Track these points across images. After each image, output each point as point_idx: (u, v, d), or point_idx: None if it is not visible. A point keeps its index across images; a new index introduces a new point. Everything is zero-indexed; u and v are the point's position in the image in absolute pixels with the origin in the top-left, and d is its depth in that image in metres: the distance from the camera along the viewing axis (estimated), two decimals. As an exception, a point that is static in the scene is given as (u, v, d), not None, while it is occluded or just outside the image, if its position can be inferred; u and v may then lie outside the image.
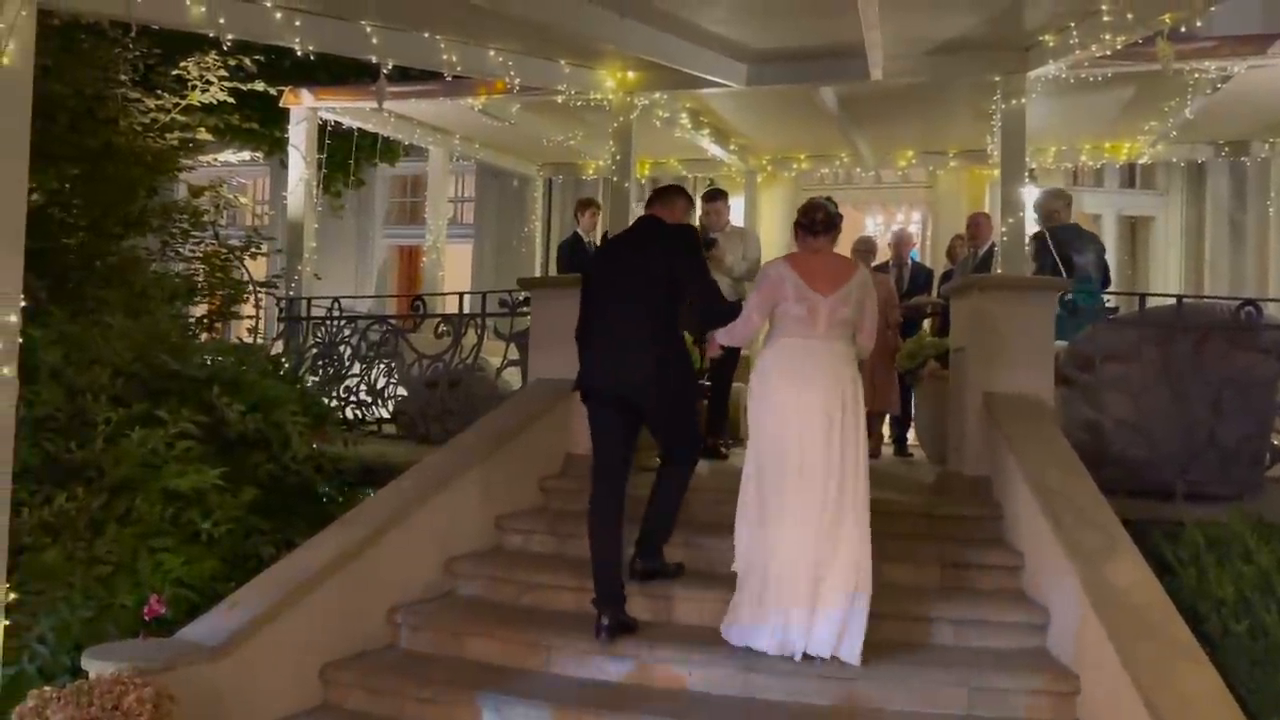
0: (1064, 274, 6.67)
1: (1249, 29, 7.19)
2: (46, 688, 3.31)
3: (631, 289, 4.56)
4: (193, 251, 8.30)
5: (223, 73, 8.14)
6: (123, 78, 7.93)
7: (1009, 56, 7.06)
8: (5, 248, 3.83)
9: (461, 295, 8.13)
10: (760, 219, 11.11)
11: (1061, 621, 4.09)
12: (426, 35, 6.91)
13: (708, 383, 6.82)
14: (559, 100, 8.24)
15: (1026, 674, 3.91)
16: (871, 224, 12.16)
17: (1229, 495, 5.05)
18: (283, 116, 9.48)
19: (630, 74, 7.72)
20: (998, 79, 7.24)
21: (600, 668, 4.17)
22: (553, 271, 10.54)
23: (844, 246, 5.76)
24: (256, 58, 8.22)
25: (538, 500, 5.69)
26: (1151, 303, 6.34)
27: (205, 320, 8.20)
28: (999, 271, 7.31)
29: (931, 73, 7.34)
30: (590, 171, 11.85)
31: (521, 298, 7.00)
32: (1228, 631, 3.82)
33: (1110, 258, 7.94)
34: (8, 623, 3.88)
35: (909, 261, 8.99)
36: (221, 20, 5.88)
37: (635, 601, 4.49)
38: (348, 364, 8.27)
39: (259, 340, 8.26)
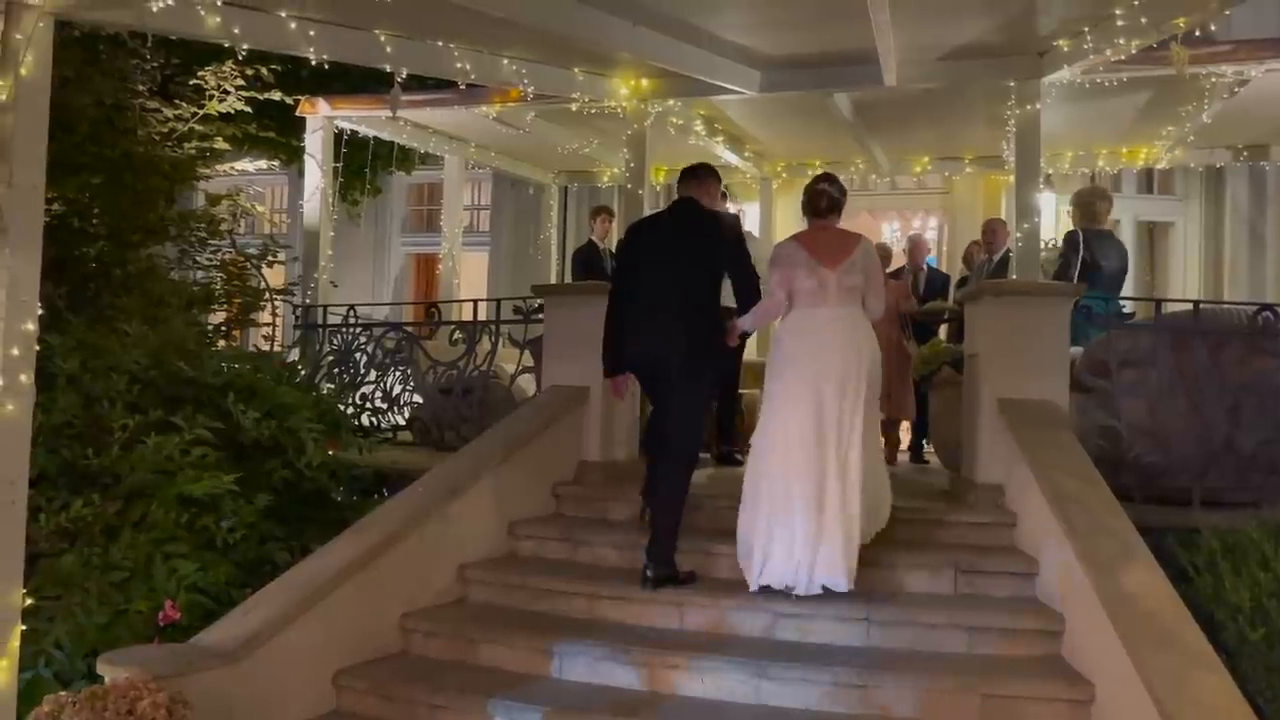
0: (1086, 277, 6.67)
1: (1267, 32, 7.13)
2: (62, 692, 3.34)
3: (674, 270, 4.85)
4: (210, 260, 8.36)
5: (240, 82, 8.20)
6: (141, 88, 8.02)
7: (1023, 62, 7.04)
8: (23, 256, 3.87)
9: (476, 302, 8.16)
10: (775, 226, 11.10)
11: (1077, 629, 4.06)
12: (440, 44, 6.96)
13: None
14: (573, 108, 8.28)
15: (1040, 681, 3.88)
16: (888, 230, 12.15)
17: (1246, 502, 4.99)
18: (299, 125, 9.55)
19: (644, 81, 7.73)
20: (1012, 84, 7.22)
21: (612, 674, 4.16)
22: (568, 279, 10.56)
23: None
24: (273, 67, 8.29)
25: (551, 507, 5.70)
26: (1168, 308, 6.30)
27: (222, 328, 8.25)
28: (1014, 277, 7.27)
29: (946, 78, 7.33)
30: (605, 179, 11.89)
31: (536, 305, 7.02)
32: (1244, 639, 3.78)
33: (1129, 263, 7.90)
34: (24, 628, 3.91)
35: (925, 267, 8.96)
36: (237, 30, 5.93)
37: (648, 609, 4.50)
38: (363, 371, 8.31)
39: (275, 348, 8.31)
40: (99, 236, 7.33)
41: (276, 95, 8.55)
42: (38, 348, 3.98)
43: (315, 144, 9.31)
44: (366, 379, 8.27)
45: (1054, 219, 10.40)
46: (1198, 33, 6.07)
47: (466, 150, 10.70)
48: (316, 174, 9.29)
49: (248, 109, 8.50)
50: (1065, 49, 6.75)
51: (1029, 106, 7.15)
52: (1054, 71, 6.92)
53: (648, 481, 5.10)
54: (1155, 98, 7.91)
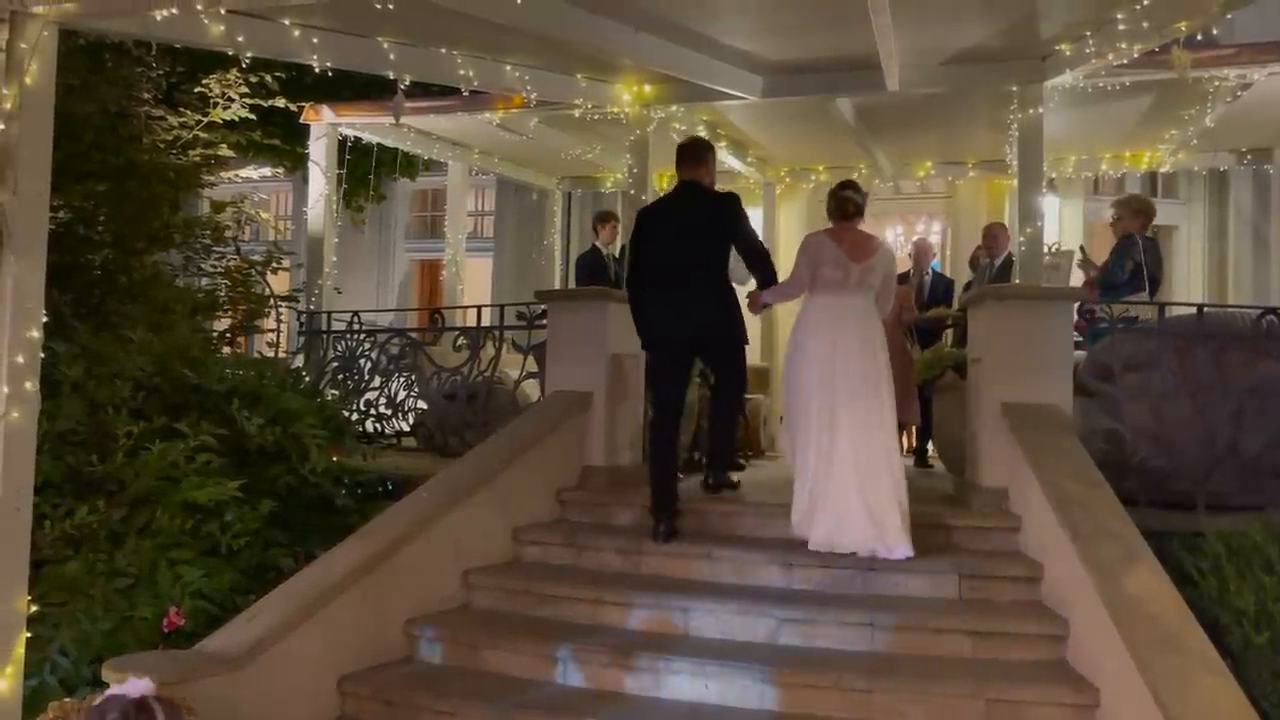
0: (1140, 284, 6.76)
1: (1269, 35, 7.12)
2: (67, 699, 3.35)
3: (690, 248, 5.38)
4: (215, 266, 8.38)
5: (244, 90, 8.23)
6: (146, 96, 8.04)
7: (1025, 66, 7.04)
8: (28, 264, 3.88)
9: (480, 308, 8.17)
10: (779, 230, 11.10)
11: (1081, 633, 4.05)
12: (444, 51, 6.98)
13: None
14: (576, 114, 8.29)
15: (1045, 686, 3.87)
16: (891, 234, 12.13)
17: (1251, 506, 4.98)
18: (304, 132, 9.58)
19: (647, 87, 7.75)
20: (1014, 89, 7.22)
21: (617, 680, 4.16)
22: (571, 284, 10.57)
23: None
24: (277, 74, 8.31)
25: (555, 512, 5.70)
26: (1172, 312, 6.29)
27: (227, 334, 8.27)
28: (1017, 281, 7.26)
29: (948, 83, 7.33)
30: (609, 184, 11.90)
31: (539, 310, 7.03)
32: (1249, 643, 3.78)
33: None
34: (29, 634, 3.92)
35: (929, 272, 8.96)
36: (240, 38, 5.95)
37: (653, 615, 4.51)
38: (367, 377, 8.32)
39: (280, 354, 8.32)
40: (104, 243, 7.35)
41: (280, 102, 8.57)
42: (42, 355, 3.99)
43: (319, 151, 9.34)
44: (371, 385, 8.28)
45: (1057, 223, 10.39)
46: (1200, 36, 6.07)
47: (470, 156, 10.72)
48: (320, 181, 9.31)
49: (252, 116, 8.52)
50: (1067, 53, 6.76)
51: (1031, 110, 7.15)
52: (1056, 75, 6.93)
53: (654, 496, 5.22)
54: (1158, 101, 7.91)
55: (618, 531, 5.42)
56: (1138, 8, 5.87)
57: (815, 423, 5.01)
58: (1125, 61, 6.51)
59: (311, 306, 9.17)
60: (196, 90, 8.34)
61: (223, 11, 5.74)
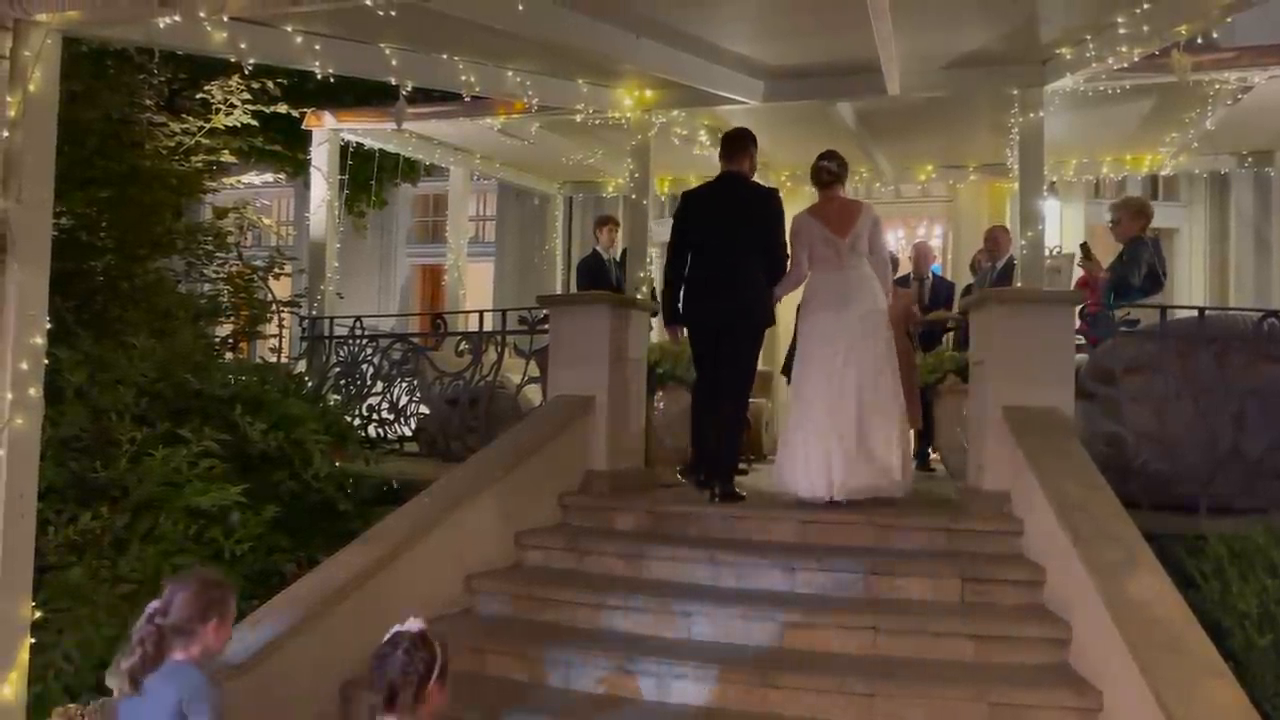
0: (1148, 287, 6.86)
1: (1270, 38, 7.12)
2: (71, 704, 3.36)
3: (726, 235, 5.78)
4: (217, 272, 8.39)
5: (246, 96, 8.24)
6: (148, 102, 8.06)
7: (1026, 70, 7.04)
8: (32, 270, 3.90)
9: (482, 313, 8.18)
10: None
11: (1083, 637, 4.05)
12: (445, 57, 6.99)
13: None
14: (578, 119, 8.30)
15: (1048, 690, 3.87)
16: (893, 238, 12.13)
17: (1253, 508, 4.98)
18: (305, 138, 9.60)
19: (648, 92, 7.76)
20: (1015, 92, 7.22)
21: (619, 685, 4.17)
22: (573, 289, 10.58)
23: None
24: (279, 81, 8.33)
25: (557, 517, 5.71)
26: (1174, 314, 6.29)
27: (229, 340, 8.28)
28: (1018, 284, 7.27)
29: (948, 87, 7.34)
30: (610, 189, 11.91)
31: (541, 315, 7.04)
32: (1252, 645, 3.78)
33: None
34: (33, 640, 3.92)
35: (930, 275, 8.97)
36: (243, 45, 5.97)
37: (655, 620, 4.51)
38: (370, 382, 8.33)
39: (282, 359, 8.33)
40: (107, 250, 7.35)
41: (283, 108, 8.59)
42: (46, 361, 4.00)
43: (321, 156, 9.35)
44: (373, 390, 8.29)
45: (1058, 226, 10.39)
46: (1200, 40, 6.06)
47: (471, 161, 10.74)
48: (322, 186, 9.33)
49: (254, 122, 8.53)
50: (1068, 57, 6.76)
51: (1032, 114, 7.15)
52: (1057, 79, 6.93)
53: (702, 464, 5.85)
54: (1158, 104, 7.91)
55: (620, 536, 5.42)
56: (1138, 11, 5.88)
57: (823, 386, 5.50)
58: (1125, 65, 6.52)
59: (313, 312, 9.18)
60: (199, 96, 8.36)
61: (225, 18, 5.76)
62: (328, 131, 9.30)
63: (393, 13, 5.00)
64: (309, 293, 9.27)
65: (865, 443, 5.46)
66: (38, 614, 4.00)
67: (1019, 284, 7.31)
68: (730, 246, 5.77)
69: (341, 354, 8.68)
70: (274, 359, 8.17)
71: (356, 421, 7.68)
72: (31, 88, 3.87)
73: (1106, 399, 5.69)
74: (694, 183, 10.99)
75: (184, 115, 8.37)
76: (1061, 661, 4.13)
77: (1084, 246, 8.06)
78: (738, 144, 6.06)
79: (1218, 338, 5.60)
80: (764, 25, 6.56)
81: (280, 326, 8.77)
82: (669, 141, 8.76)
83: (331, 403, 7.25)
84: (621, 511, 5.61)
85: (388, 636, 2.74)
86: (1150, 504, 5.11)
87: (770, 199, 5.96)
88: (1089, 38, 6.47)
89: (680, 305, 5.94)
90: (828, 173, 5.87)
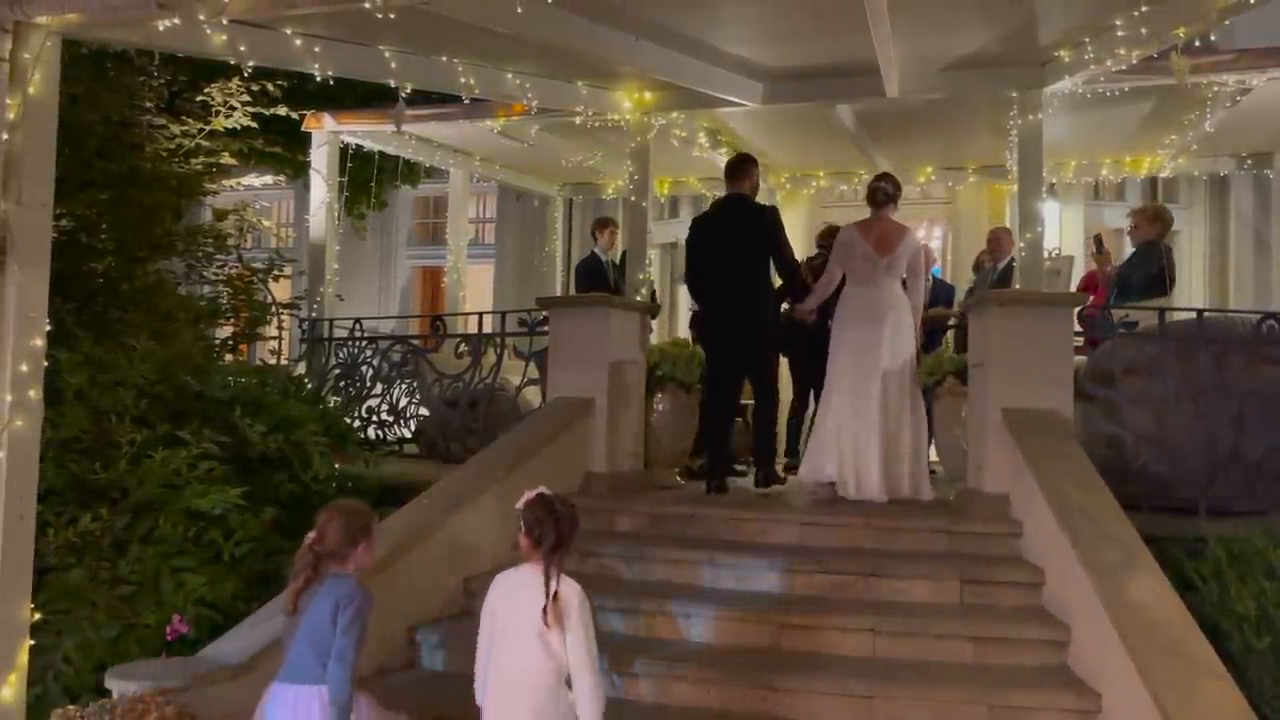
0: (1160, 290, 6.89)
1: (1268, 40, 7.13)
2: (70, 706, 3.36)
3: (730, 253, 6.26)
4: (217, 274, 8.39)
5: (246, 98, 8.25)
6: (148, 104, 8.07)
7: (1025, 72, 7.04)
8: (32, 272, 3.90)
9: (481, 315, 8.18)
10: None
11: (1082, 639, 4.06)
12: (445, 59, 6.99)
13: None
14: (577, 121, 8.29)
15: (1047, 691, 3.88)
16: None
17: (1252, 511, 4.99)
18: (305, 140, 9.60)
19: (648, 94, 7.75)
20: (1014, 94, 7.22)
21: (619, 686, 4.17)
22: (572, 290, 10.58)
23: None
24: (279, 83, 8.34)
25: (557, 518, 5.70)
26: (1173, 317, 6.30)
27: (229, 342, 8.29)
28: (1018, 287, 7.27)
29: (947, 89, 7.33)
30: (610, 191, 11.91)
31: (541, 317, 7.04)
32: (1250, 648, 3.78)
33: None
34: (33, 642, 3.93)
35: (930, 278, 8.95)
36: (243, 47, 5.96)
37: (655, 621, 4.51)
38: (369, 384, 8.33)
39: (282, 361, 8.34)
40: (106, 252, 7.36)
41: (282, 110, 8.60)
42: (46, 363, 4.01)
43: (321, 159, 9.35)
44: (372, 392, 8.29)
45: (1057, 228, 10.39)
46: (1198, 42, 6.07)
47: (471, 163, 10.74)
48: (322, 188, 9.33)
49: (254, 124, 8.54)
50: (1066, 59, 6.76)
51: (1031, 116, 7.15)
52: (1056, 81, 6.93)
53: (707, 461, 6.49)
54: (1157, 107, 7.91)
55: (620, 537, 5.43)
56: (1136, 14, 5.88)
57: (848, 391, 5.93)
58: (1124, 67, 6.51)
59: (313, 314, 9.18)
60: (198, 99, 8.38)
61: (225, 21, 5.76)
62: (327, 133, 9.30)
63: (392, 15, 5.02)
64: (309, 295, 9.27)
65: (885, 449, 5.82)
66: (37, 615, 4.01)
67: (1018, 286, 7.31)
68: (734, 262, 6.24)
69: (341, 356, 8.68)
70: (274, 361, 8.17)
71: (356, 423, 7.68)
72: (31, 90, 3.88)
73: (1106, 401, 5.70)
74: (693, 185, 11.15)
75: (184, 117, 8.38)
76: (1061, 663, 4.14)
77: (1097, 239, 8.09)
78: (739, 169, 6.55)
79: (1217, 339, 5.61)
80: (763, 27, 6.57)
81: (280, 328, 8.77)
82: (668, 143, 8.76)
83: (331, 404, 7.24)
84: (621, 513, 5.61)
85: (532, 496, 3.19)
86: (1149, 506, 5.12)
87: (766, 213, 6.46)
88: (1088, 40, 6.48)
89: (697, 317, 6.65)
90: (883, 193, 6.16)
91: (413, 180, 12.51)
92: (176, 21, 4.04)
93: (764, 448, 6.42)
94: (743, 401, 8.76)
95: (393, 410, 8.24)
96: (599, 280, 8.53)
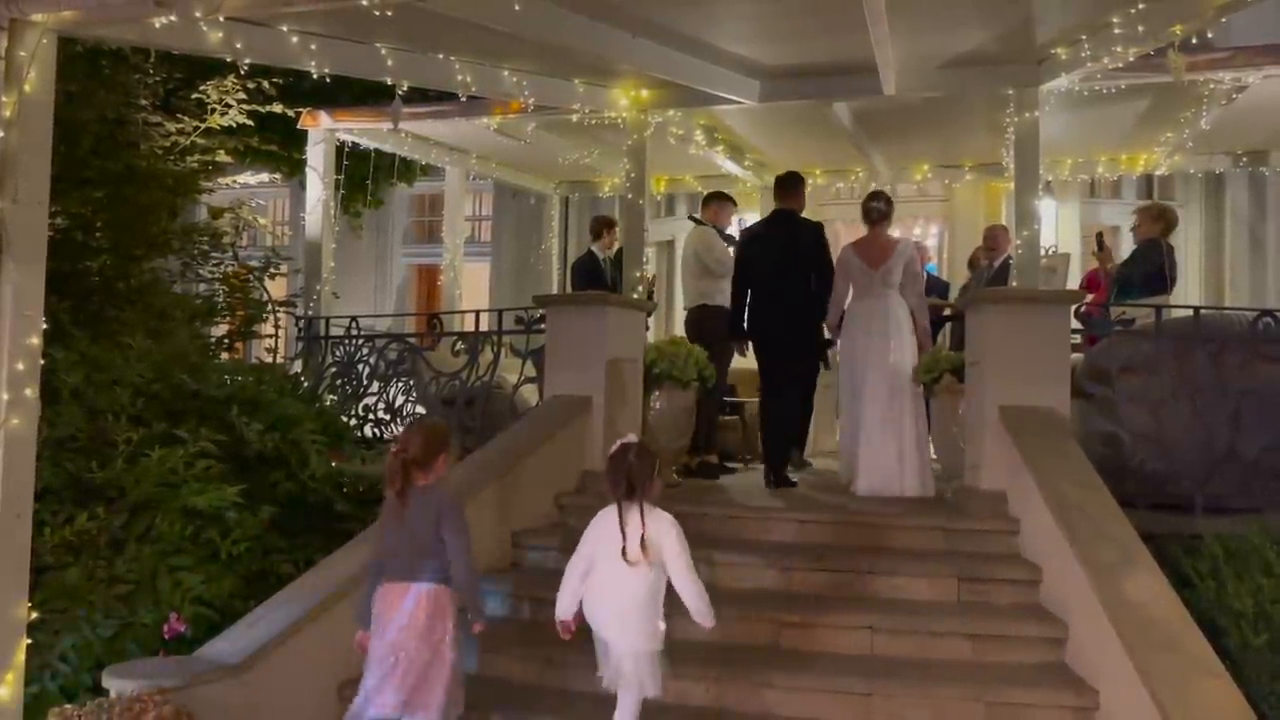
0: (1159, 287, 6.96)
1: (1265, 38, 7.14)
2: (68, 705, 3.36)
3: (784, 266, 6.76)
4: (213, 272, 8.37)
5: (242, 96, 8.22)
6: (144, 102, 8.03)
7: (1021, 70, 7.05)
8: (28, 270, 3.89)
9: (478, 313, 8.17)
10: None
11: (1079, 636, 4.07)
12: (441, 57, 6.98)
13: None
14: (574, 119, 8.29)
15: (1044, 689, 3.89)
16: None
17: (1249, 508, 5.00)
18: (301, 138, 9.57)
19: (644, 92, 7.75)
20: (1011, 92, 7.23)
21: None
22: (569, 289, 10.57)
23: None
24: (275, 81, 8.32)
25: (554, 517, 5.71)
26: (1169, 314, 6.31)
27: (225, 340, 8.27)
28: (1014, 284, 7.29)
29: (944, 87, 7.34)
30: (606, 189, 11.91)
31: (538, 315, 7.04)
32: (1247, 645, 3.79)
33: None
34: (30, 641, 3.92)
35: (924, 275, 8.95)
36: (239, 45, 5.95)
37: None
38: (366, 382, 8.31)
39: (278, 360, 8.32)
40: (102, 250, 7.34)
41: (278, 108, 8.57)
42: (42, 361, 4.00)
43: (317, 157, 9.32)
44: (369, 390, 8.27)
45: (1054, 226, 10.41)
46: (1195, 40, 6.08)
47: (468, 161, 10.72)
48: (318, 186, 9.31)
49: (250, 122, 8.51)
50: (1063, 57, 6.77)
51: (1028, 114, 7.16)
52: (1052, 79, 6.94)
53: (765, 456, 6.86)
54: (1154, 104, 7.92)
55: (617, 536, 5.41)
56: (1133, 11, 5.89)
57: (858, 394, 6.35)
58: (1121, 65, 6.53)
59: (310, 312, 9.16)
60: (194, 96, 8.34)
61: (221, 18, 5.74)
62: (323, 131, 9.28)
63: (389, 12, 5.00)
64: (305, 293, 9.25)
65: (898, 447, 6.17)
66: (34, 615, 4.00)
67: (1015, 283, 7.32)
68: (785, 273, 6.74)
69: (338, 354, 8.66)
70: (270, 359, 8.15)
71: (353, 422, 7.67)
72: (27, 88, 3.87)
73: (1103, 399, 5.71)
74: (690, 183, 11.15)
75: (180, 115, 8.34)
76: (1058, 661, 4.15)
77: (1099, 237, 8.11)
78: (791, 185, 7.06)
79: (1214, 337, 5.62)
80: (761, 26, 6.57)
81: (276, 327, 8.74)
82: (665, 141, 8.77)
83: (328, 403, 7.23)
84: (618, 512, 5.60)
85: (617, 447, 3.73)
86: (1147, 504, 5.14)
87: (815, 228, 6.98)
88: (1084, 38, 6.49)
89: (746, 323, 6.98)
90: (876, 211, 6.56)
91: (409, 178, 12.48)
92: (173, 18, 4.03)
93: (778, 447, 6.73)
94: (739, 400, 8.81)
95: (390, 408, 8.22)
96: (596, 279, 8.53)
